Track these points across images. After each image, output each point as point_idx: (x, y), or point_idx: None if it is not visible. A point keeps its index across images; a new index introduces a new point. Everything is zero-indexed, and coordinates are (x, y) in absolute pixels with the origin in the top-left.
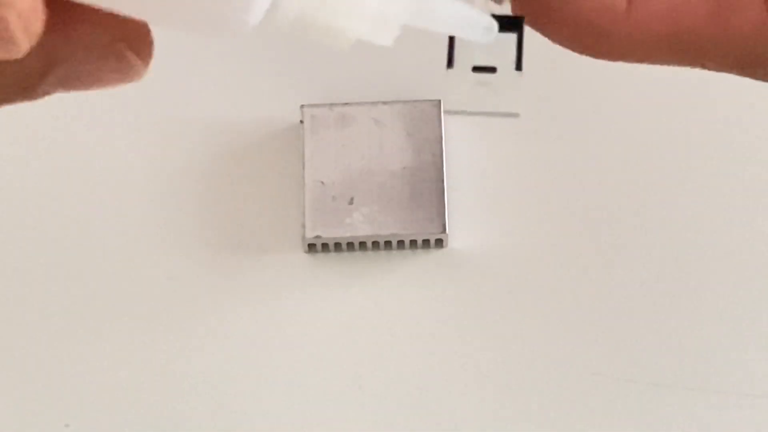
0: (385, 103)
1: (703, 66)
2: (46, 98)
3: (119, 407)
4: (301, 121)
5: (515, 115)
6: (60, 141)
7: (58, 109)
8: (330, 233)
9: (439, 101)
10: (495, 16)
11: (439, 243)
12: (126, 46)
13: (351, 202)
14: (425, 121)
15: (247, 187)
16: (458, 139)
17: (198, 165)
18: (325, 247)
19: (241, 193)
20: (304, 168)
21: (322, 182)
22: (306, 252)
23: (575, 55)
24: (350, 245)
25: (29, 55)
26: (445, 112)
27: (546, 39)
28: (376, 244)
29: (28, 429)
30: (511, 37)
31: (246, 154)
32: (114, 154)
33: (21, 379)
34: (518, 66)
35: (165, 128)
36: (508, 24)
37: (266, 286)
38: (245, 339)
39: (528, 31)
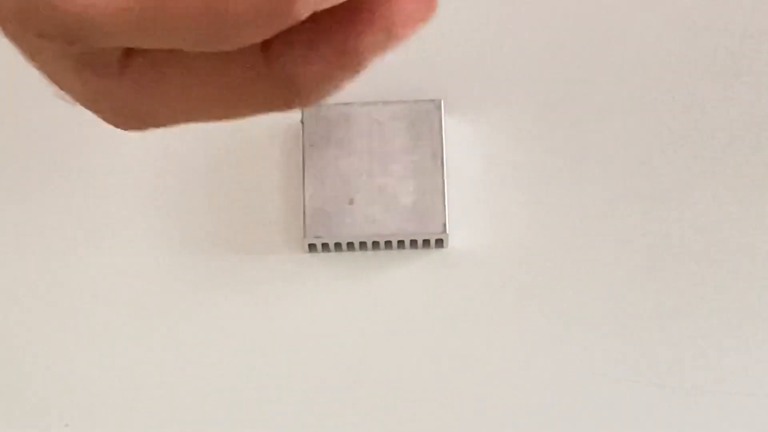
0: (385, 103)
1: None
2: (49, 99)
3: (119, 407)
4: (302, 122)
5: None
6: (60, 140)
7: (59, 110)
8: (330, 233)
9: (440, 101)
10: None
11: (440, 243)
12: None
13: (351, 202)
14: (425, 121)
15: (247, 187)
16: (458, 139)
17: (198, 165)
18: (325, 247)
19: (241, 193)
20: (304, 168)
21: (323, 182)
22: (307, 252)
23: (578, 59)
24: (350, 245)
25: None
26: None
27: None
28: (376, 244)
29: (28, 429)
30: None
31: (246, 154)
32: (113, 154)
33: (21, 379)
34: None
35: (165, 128)
36: None
37: (267, 286)
38: (246, 338)
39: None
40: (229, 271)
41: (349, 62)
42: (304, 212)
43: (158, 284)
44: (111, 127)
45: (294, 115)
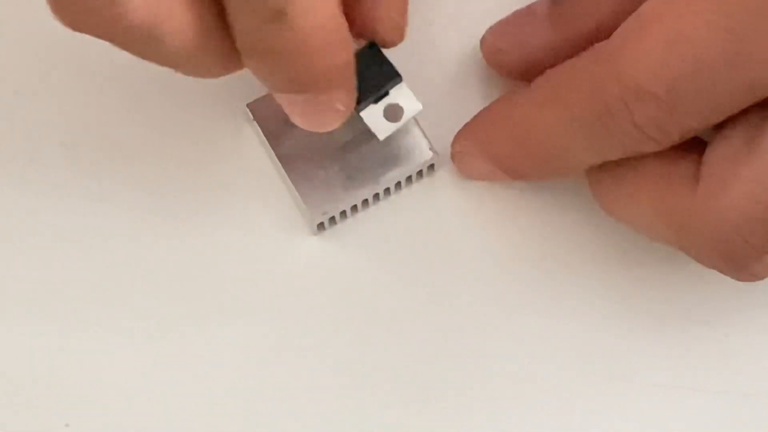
0: None
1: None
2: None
3: (119, 407)
4: (252, 119)
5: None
6: (66, 139)
7: (61, 109)
8: (331, 206)
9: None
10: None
11: (431, 168)
12: None
13: (335, 169)
14: None
15: (247, 187)
16: None
17: (194, 164)
18: (332, 220)
19: (241, 194)
20: (276, 157)
21: (297, 162)
22: (316, 234)
23: None
24: (354, 208)
25: None
26: None
27: None
28: (376, 197)
29: (28, 429)
30: None
31: (243, 153)
32: (118, 148)
33: (21, 379)
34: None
35: (163, 127)
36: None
37: (282, 281)
38: (255, 341)
39: None
40: (242, 276)
41: None
42: (298, 197)
43: (159, 286)
44: (116, 120)
45: None
